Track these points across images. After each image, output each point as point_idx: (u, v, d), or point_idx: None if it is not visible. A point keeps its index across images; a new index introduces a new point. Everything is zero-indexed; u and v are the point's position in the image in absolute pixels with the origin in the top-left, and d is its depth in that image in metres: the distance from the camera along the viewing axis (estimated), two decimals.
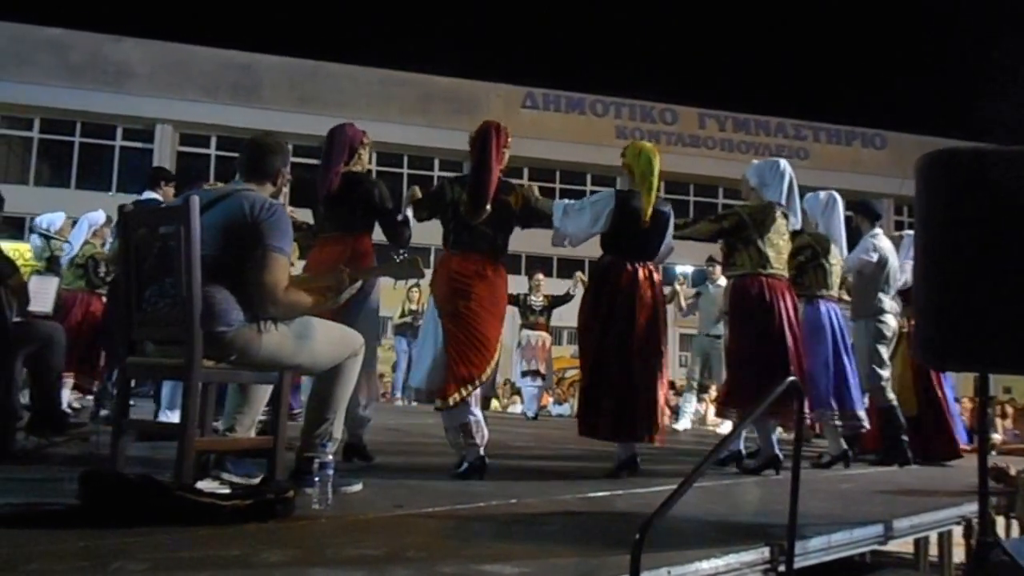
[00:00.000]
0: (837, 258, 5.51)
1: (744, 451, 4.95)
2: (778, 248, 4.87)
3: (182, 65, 23.36)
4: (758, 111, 27.78)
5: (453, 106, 24.63)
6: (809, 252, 5.40)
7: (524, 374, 10.09)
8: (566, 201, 4.53)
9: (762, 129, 27.59)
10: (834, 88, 41.68)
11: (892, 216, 26.14)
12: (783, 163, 5.11)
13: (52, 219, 6.85)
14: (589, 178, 26.27)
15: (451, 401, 3.93)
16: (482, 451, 3.96)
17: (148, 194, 5.82)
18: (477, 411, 4.01)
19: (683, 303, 9.13)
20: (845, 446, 5.22)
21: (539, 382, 10.11)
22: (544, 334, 9.93)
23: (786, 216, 4.97)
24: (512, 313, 10.16)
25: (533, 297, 9.90)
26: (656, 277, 4.49)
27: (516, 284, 10.67)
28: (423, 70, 25.38)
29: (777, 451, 4.68)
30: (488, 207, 4.10)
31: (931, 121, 32.56)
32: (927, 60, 41.50)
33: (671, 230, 4.60)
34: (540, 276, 10.19)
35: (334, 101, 23.97)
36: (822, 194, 5.60)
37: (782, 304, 4.77)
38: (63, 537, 2.20)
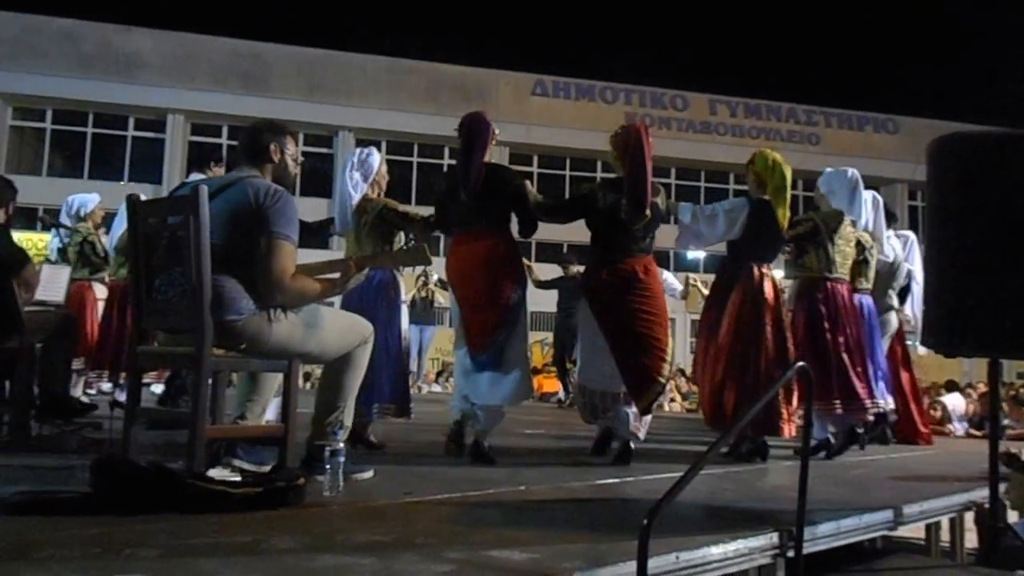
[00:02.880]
0: (847, 240, 5.35)
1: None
2: (844, 254, 5.20)
3: (192, 55, 23.37)
4: (769, 97, 27.59)
5: (463, 95, 24.54)
6: (811, 229, 5.22)
7: None
8: (691, 204, 4.67)
9: (773, 115, 27.39)
10: (845, 73, 41.35)
11: (906, 201, 25.95)
12: (850, 171, 5.34)
13: (84, 200, 6.66)
14: (599, 165, 26.17)
15: (644, 404, 4.10)
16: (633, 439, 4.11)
17: (195, 176, 5.38)
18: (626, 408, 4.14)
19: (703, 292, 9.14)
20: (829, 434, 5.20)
21: None
22: None
23: (853, 223, 5.26)
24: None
25: None
26: (775, 277, 4.75)
27: (552, 273, 10.72)
28: (432, 58, 25.30)
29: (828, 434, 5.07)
30: (648, 212, 4.16)
31: (944, 105, 32.28)
32: (940, 43, 41.09)
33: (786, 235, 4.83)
34: None
35: (343, 90, 23.96)
36: (867, 194, 5.59)
37: (844, 307, 5.11)
38: (75, 524, 2.22)
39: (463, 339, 4.11)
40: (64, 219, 6.63)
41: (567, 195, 4.48)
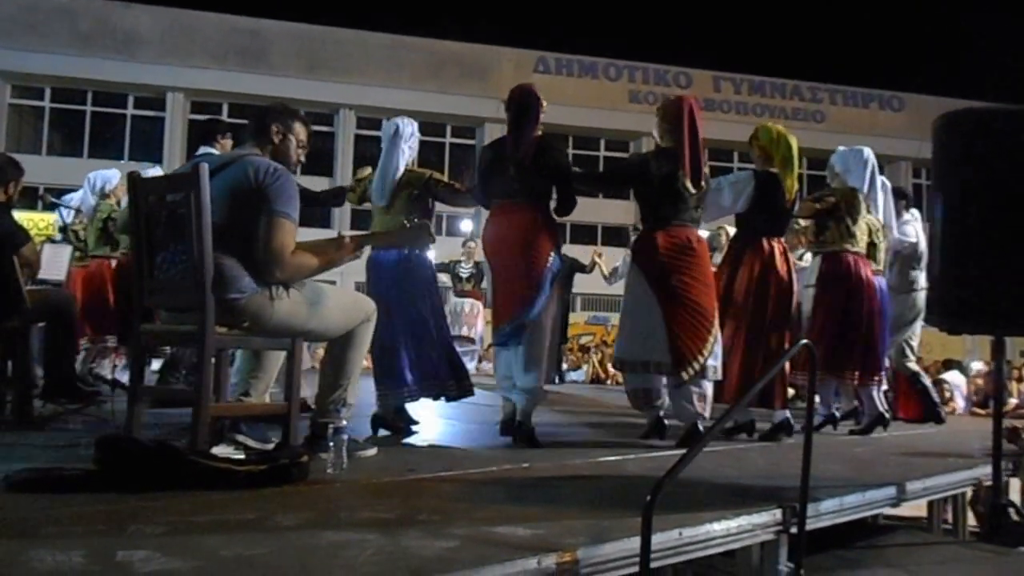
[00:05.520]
0: (864, 216, 5.37)
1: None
2: (862, 229, 5.27)
3: (191, 32, 23.24)
4: (773, 74, 27.46)
5: (464, 71, 24.45)
6: (835, 205, 5.30)
7: (455, 339, 10.46)
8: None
9: (778, 92, 27.26)
10: (850, 50, 41.07)
11: (910, 179, 25.85)
12: (866, 151, 5.43)
13: (107, 176, 6.51)
14: (603, 143, 26.09)
15: (684, 376, 4.07)
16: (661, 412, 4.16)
17: (204, 149, 5.12)
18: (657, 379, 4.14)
19: (605, 271, 9.78)
20: (884, 408, 5.28)
21: (468, 346, 10.34)
22: (473, 300, 10.08)
23: (866, 201, 5.31)
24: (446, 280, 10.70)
25: (463, 265, 9.92)
26: (787, 251, 4.74)
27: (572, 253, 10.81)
28: (434, 35, 25.17)
29: (882, 409, 5.20)
30: (704, 183, 4.21)
31: (950, 82, 32.10)
32: (945, 20, 40.75)
33: (797, 208, 4.85)
34: (472, 244, 10.08)
35: (343, 67, 23.84)
36: (880, 179, 5.64)
37: (865, 280, 5.20)
38: (80, 501, 2.23)
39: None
40: (87, 196, 6.57)
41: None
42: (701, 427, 4.05)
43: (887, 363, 5.71)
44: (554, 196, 4.17)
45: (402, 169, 4.34)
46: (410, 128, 4.43)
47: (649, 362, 4.15)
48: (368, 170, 4.70)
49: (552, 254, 4.04)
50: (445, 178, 4.46)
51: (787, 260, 4.65)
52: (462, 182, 4.48)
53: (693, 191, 4.17)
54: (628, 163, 4.42)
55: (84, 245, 6.44)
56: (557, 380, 11.26)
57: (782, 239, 4.72)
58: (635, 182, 4.32)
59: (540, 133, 4.14)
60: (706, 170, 4.31)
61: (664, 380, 4.18)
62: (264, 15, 24.05)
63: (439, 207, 4.60)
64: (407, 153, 4.38)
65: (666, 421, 4.22)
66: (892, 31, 42.94)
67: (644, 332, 4.15)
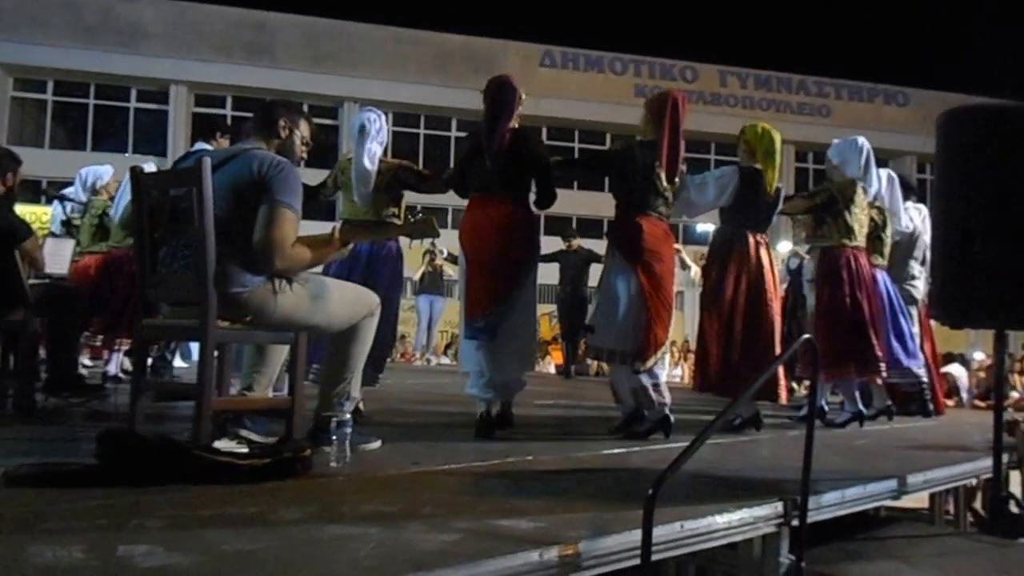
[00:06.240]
0: (863, 208, 5.37)
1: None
2: (860, 222, 5.27)
3: (195, 24, 23.19)
4: (780, 68, 27.36)
5: (470, 65, 24.35)
6: (828, 199, 5.31)
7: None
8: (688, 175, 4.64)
9: (784, 86, 27.17)
10: (856, 44, 40.90)
11: (915, 174, 25.76)
12: (861, 140, 5.41)
13: (99, 172, 6.49)
14: (608, 137, 26.01)
15: (649, 364, 4.06)
16: (667, 410, 4.09)
17: (200, 145, 5.14)
18: (659, 373, 4.12)
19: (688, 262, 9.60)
20: (860, 406, 5.25)
21: None
22: None
23: (864, 190, 5.33)
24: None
25: None
26: (769, 244, 4.78)
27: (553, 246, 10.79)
28: (439, 28, 25.10)
29: (860, 407, 5.20)
30: (678, 178, 4.26)
31: (955, 77, 31.99)
32: (951, 14, 40.63)
33: (780, 205, 4.86)
34: None
35: (349, 60, 23.80)
36: (883, 172, 5.68)
37: (864, 274, 5.23)
38: (81, 496, 2.23)
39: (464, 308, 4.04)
40: (79, 192, 6.54)
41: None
42: (672, 419, 4.08)
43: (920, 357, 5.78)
44: (534, 189, 4.15)
45: (374, 168, 4.32)
46: (377, 124, 4.40)
47: (627, 352, 4.07)
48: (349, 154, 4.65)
49: (528, 247, 4.05)
50: (415, 167, 4.49)
51: (769, 253, 4.71)
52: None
53: (667, 184, 4.17)
54: (614, 148, 4.42)
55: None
56: (568, 375, 11.26)
57: (763, 234, 4.75)
58: (623, 166, 4.25)
59: (517, 124, 4.09)
60: (683, 167, 4.30)
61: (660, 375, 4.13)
62: (269, 8, 24.04)
63: (441, 204, 4.62)
64: (376, 151, 4.35)
65: (672, 418, 4.14)
66: (898, 25, 42.76)
67: (622, 319, 4.08)
